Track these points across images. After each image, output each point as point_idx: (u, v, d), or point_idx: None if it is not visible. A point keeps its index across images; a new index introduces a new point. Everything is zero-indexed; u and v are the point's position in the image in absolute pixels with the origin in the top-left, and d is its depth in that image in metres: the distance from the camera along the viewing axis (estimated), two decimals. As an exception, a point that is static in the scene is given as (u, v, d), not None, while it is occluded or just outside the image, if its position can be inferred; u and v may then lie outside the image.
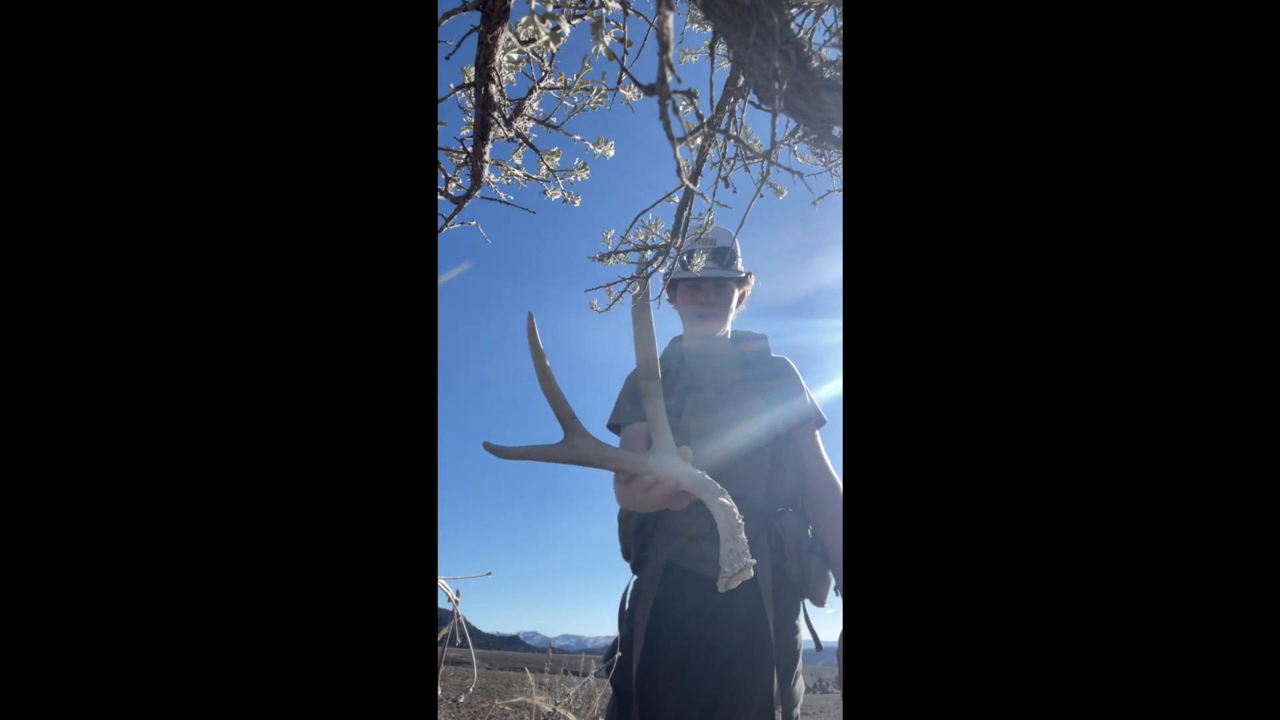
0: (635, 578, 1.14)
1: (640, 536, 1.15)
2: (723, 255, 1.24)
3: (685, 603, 1.06)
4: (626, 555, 1.18)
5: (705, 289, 1.25)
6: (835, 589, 1.08)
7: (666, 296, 1.31)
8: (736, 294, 1.28)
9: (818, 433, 1.20)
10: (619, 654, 1.06)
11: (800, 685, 1.09)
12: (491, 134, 0.59)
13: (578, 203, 0.83)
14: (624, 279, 0.98)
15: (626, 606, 1.13)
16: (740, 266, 1.27)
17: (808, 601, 1.10)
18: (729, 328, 1.30)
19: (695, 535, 1.09)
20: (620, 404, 1.24)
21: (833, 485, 1.13)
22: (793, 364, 1.27)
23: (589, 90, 0.68)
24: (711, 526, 1.08)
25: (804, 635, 1.10)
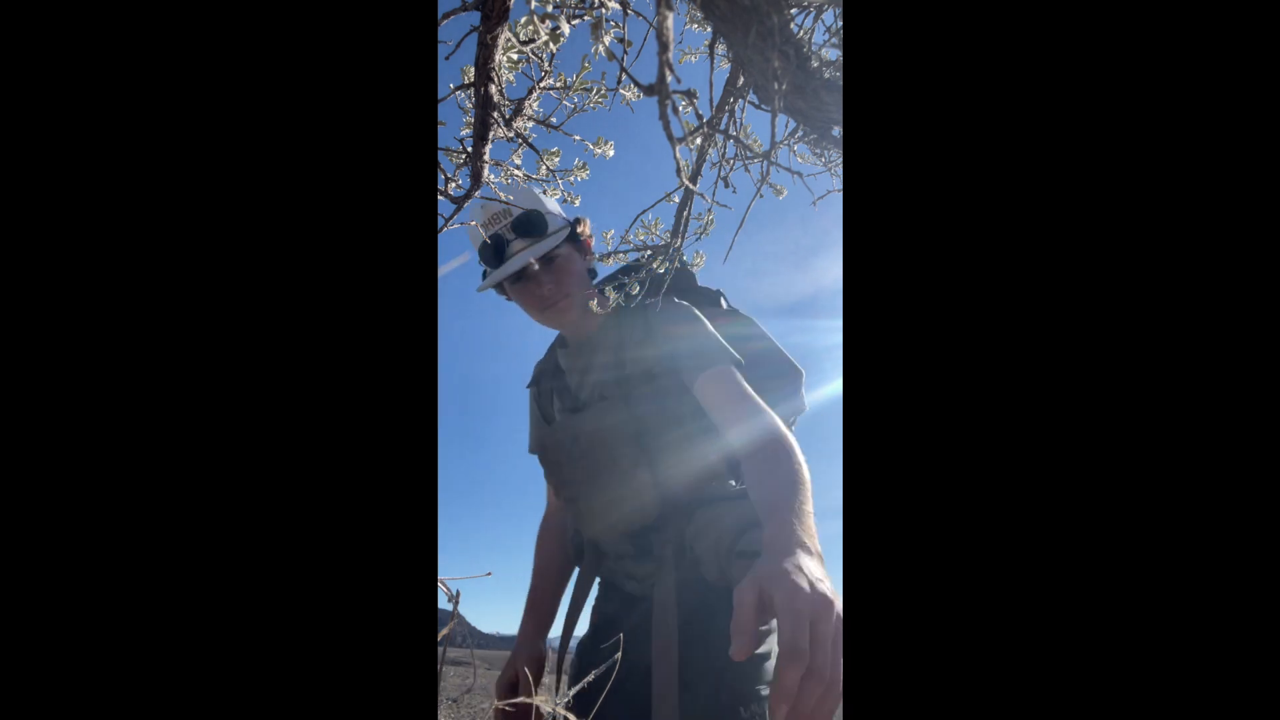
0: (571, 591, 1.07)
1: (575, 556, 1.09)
2: (532, 225, 0.94)
3: (613, 621, 1.00)
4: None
5: (532, 280, 0.96)
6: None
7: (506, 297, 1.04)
8: (572, 255, 0.98)
9: (727, 370, 0.87)
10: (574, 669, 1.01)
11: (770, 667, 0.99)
12: (491, 134, 0.59)
13: (577, 203, 0.83)
14: (623, 279, 0.98)
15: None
16: (551, 214, 0.96)
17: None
18: (594, 303, 0.98)
19: (620, 555, 1.02)
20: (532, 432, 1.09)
21: (748, 415, 0.82)
22: (694, 311, 0.96)
23: (589, 90, 0.68)
24: (632, 548, 0.97)
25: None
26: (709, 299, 1.11)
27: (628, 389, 0.95)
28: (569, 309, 0.99)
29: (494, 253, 0.96)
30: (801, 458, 0.76)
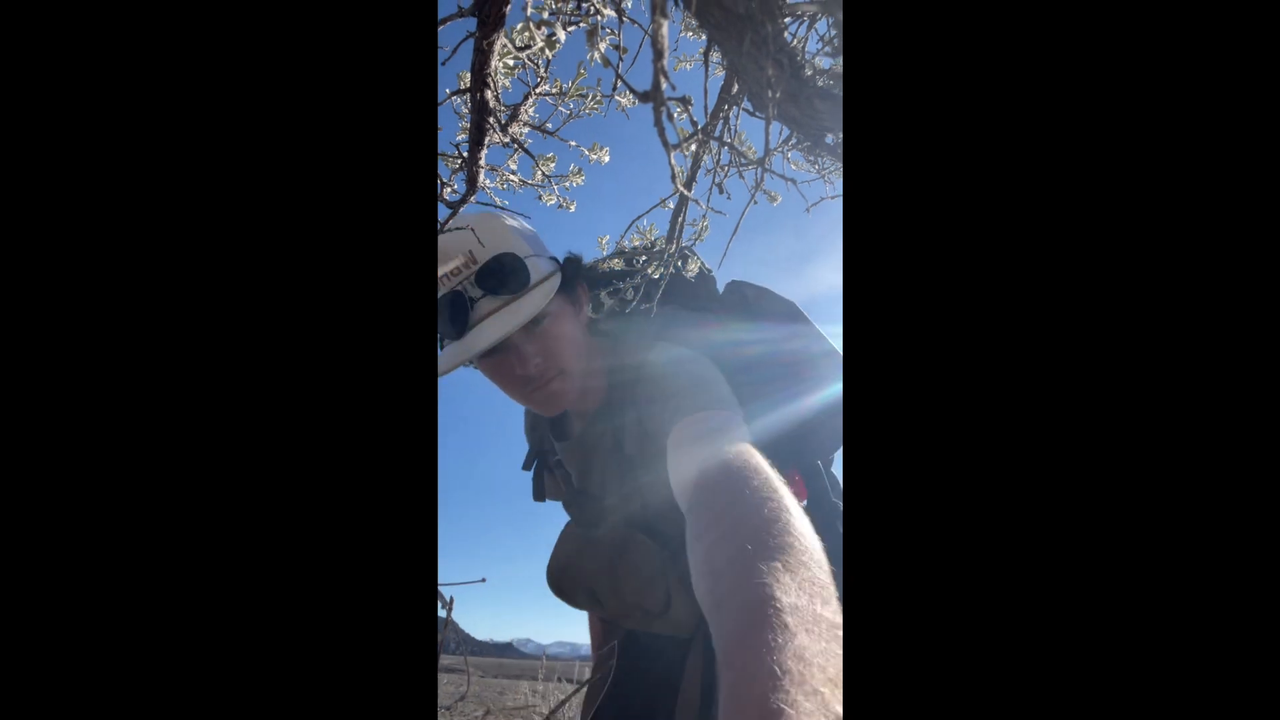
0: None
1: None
2: (506, 277, 0.67)
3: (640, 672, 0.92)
4: None
5: (512, 353, 0.68)
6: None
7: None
8: (564, 312, 0.72)
9: (686, 423, 0.61)
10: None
11: None
12: (487, 139, 0.59)
13: (573, 208, 0.84)
14: (618, 284, 0.98)
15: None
16: (532, 254, 0.70)
17: None
18: (589, 363, 0.73)
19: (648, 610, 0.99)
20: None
21: (687, 463, 0.56)
22: (679, 359, 0.70)
23: (584, 96, 0.69)
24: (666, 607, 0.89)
25: None
26: (718, 296, 0.96)
27: (646, 505, 0.74)
28: (565, 389, 0.71)
29: (453, 316, 0.67)
30: (766, 480, 0.46)
